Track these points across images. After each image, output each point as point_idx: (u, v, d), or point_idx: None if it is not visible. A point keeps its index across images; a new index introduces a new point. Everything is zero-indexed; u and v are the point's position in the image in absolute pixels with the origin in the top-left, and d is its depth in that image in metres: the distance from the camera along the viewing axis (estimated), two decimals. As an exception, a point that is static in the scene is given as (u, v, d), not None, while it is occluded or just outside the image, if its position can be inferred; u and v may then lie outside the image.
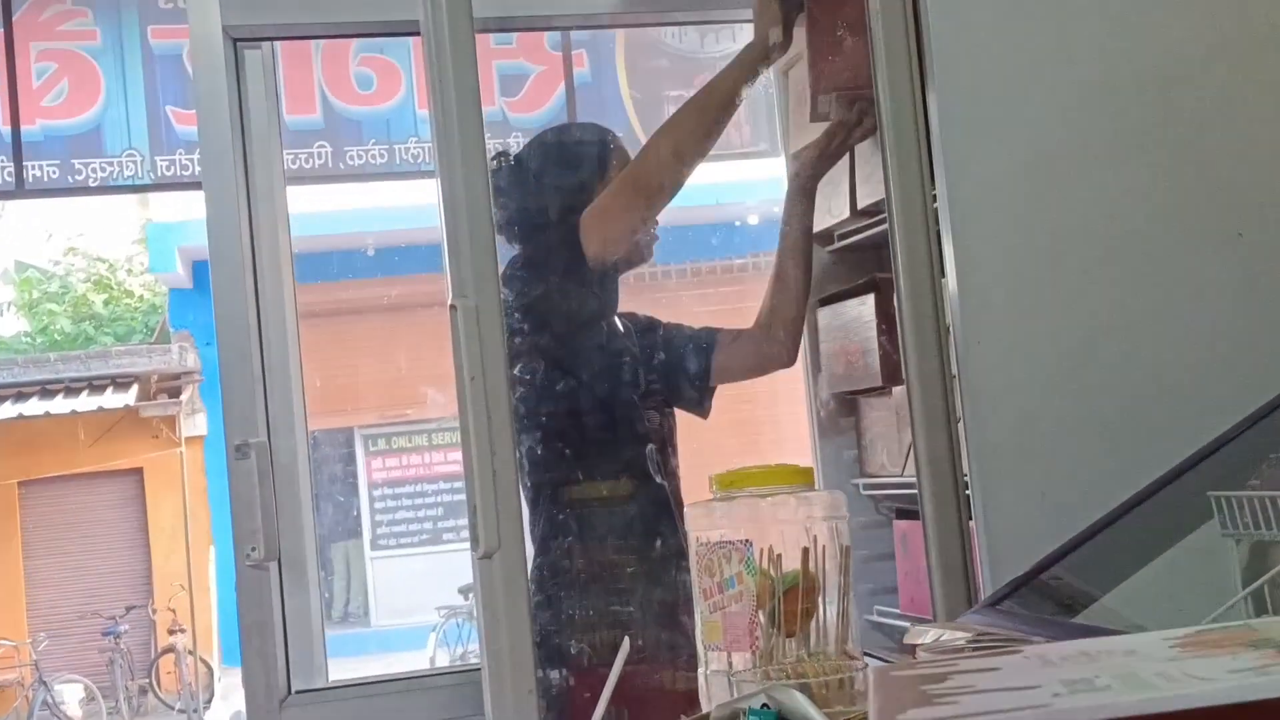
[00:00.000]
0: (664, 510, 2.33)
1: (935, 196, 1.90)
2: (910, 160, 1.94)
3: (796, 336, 2.42)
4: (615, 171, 2.36)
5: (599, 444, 2.32)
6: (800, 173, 2.37)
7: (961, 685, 0.64)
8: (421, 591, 13.40)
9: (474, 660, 2.37)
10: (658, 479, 2.34)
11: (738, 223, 13.34)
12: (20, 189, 5.43)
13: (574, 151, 2.39)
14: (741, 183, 12.15)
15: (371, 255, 12.61)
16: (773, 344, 2.39)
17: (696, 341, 2.43)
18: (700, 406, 2.42)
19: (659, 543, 2.34)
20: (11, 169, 5.37)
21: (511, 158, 2.41)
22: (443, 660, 10.86)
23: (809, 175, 2.37)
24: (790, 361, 2.43)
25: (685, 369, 2.39)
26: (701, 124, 2.25)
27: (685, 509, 1.70)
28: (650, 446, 2.35)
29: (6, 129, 5.42)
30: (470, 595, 12.47)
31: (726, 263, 13.66)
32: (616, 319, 2.42)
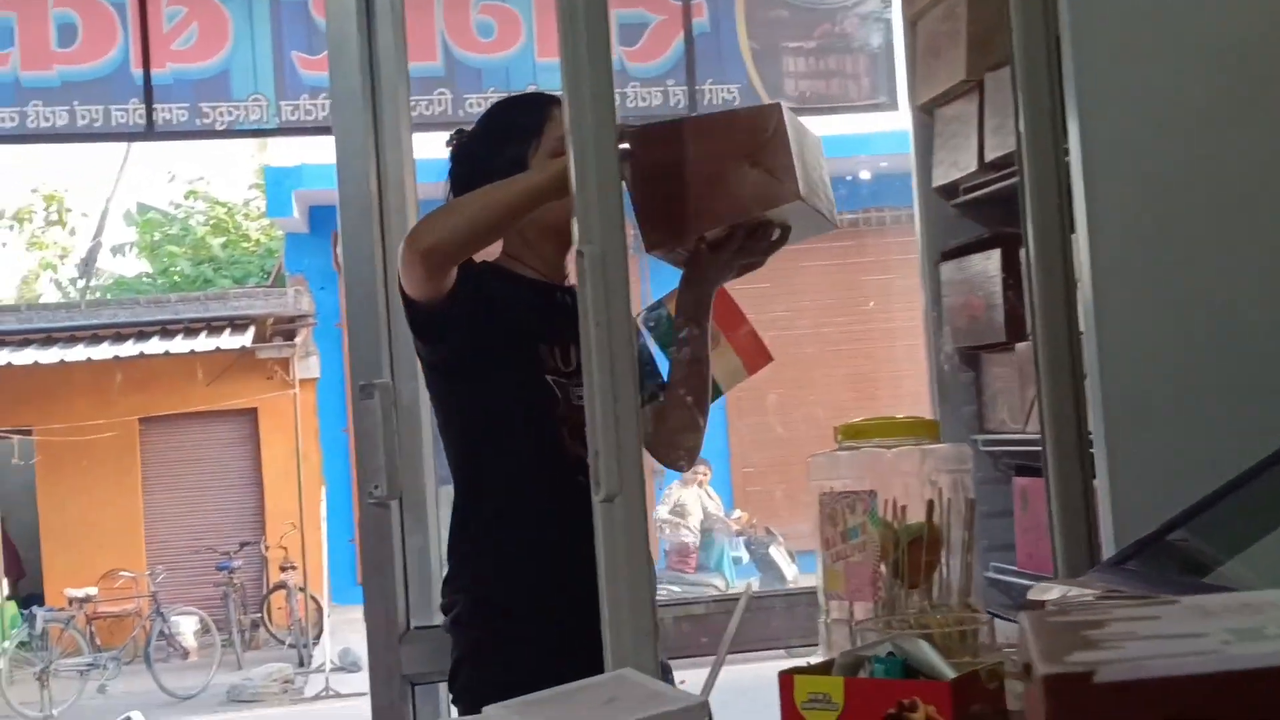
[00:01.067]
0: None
1: (1067, 150, 1.87)
2: (1043, 112, 1.91)
3: (693, 453, 2.35)
4: (547, 140, 2.28)
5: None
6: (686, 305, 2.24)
7: (1123, 632, 0.64)
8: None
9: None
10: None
11: (849, 177, 13.26)
12: (150, 131, 5.56)
13: (508, 123, 2.34)
14: (856, 135, 12.05)
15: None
16: (669, 451, 2.32)
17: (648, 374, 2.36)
18: None
19: None
20: (142, 111, 5.49)
21: (464, 135, 2.37)
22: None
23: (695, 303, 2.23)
24: (685, 469, 2.40)
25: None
26: (493, 216, 2.14)
27: (809, 459, 1.70)
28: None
29: (138, 72, 5.54)
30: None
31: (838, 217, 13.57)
32: (569, 289, 2.34)
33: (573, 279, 2.31)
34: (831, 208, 2.15)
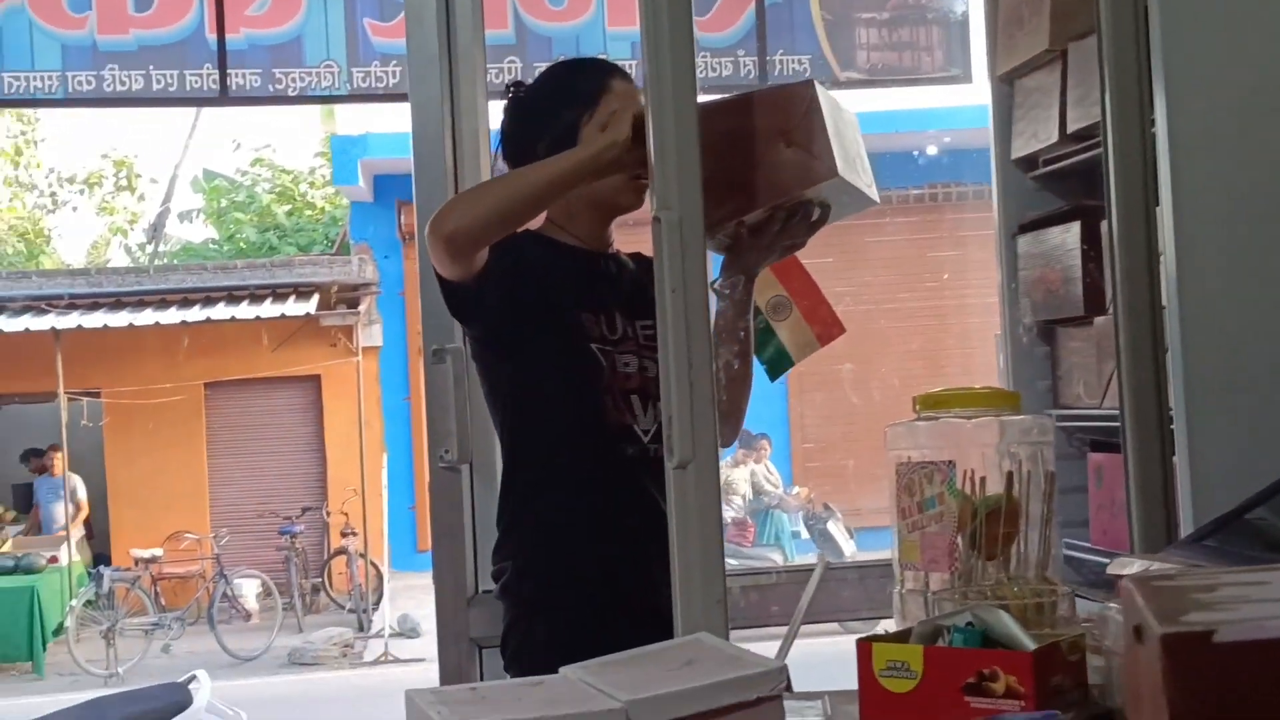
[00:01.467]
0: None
1: (1154, 121, 1.85)
2: (1129, 83, 1.88)
3: (737, 426, 2.33)
4: (602, 111, 2.21)
5: None
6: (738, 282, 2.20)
7: (1235, 595, 0.63)
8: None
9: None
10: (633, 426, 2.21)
11: (916, 151, 13.15)
12: (224, 96, 5.61)
13: (567, 86, 2.31)
14: (926, 110, 11.94)
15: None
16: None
17: None
18: None
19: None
20: (216, 77, 5.54)
21: (523, 89, 2.35)
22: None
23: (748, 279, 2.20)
24: (724, 446, 2.35)
25: None
26: (526, 200, 2.13)
27: (887, 428, 1.69)
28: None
29: (213, 37, 5.59)
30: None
31: (903, 192, 13.50)
32: (614, 256, 2.31)
33: (617, 248, 2.31)
34: (871, 183, 2.12)
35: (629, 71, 2.32)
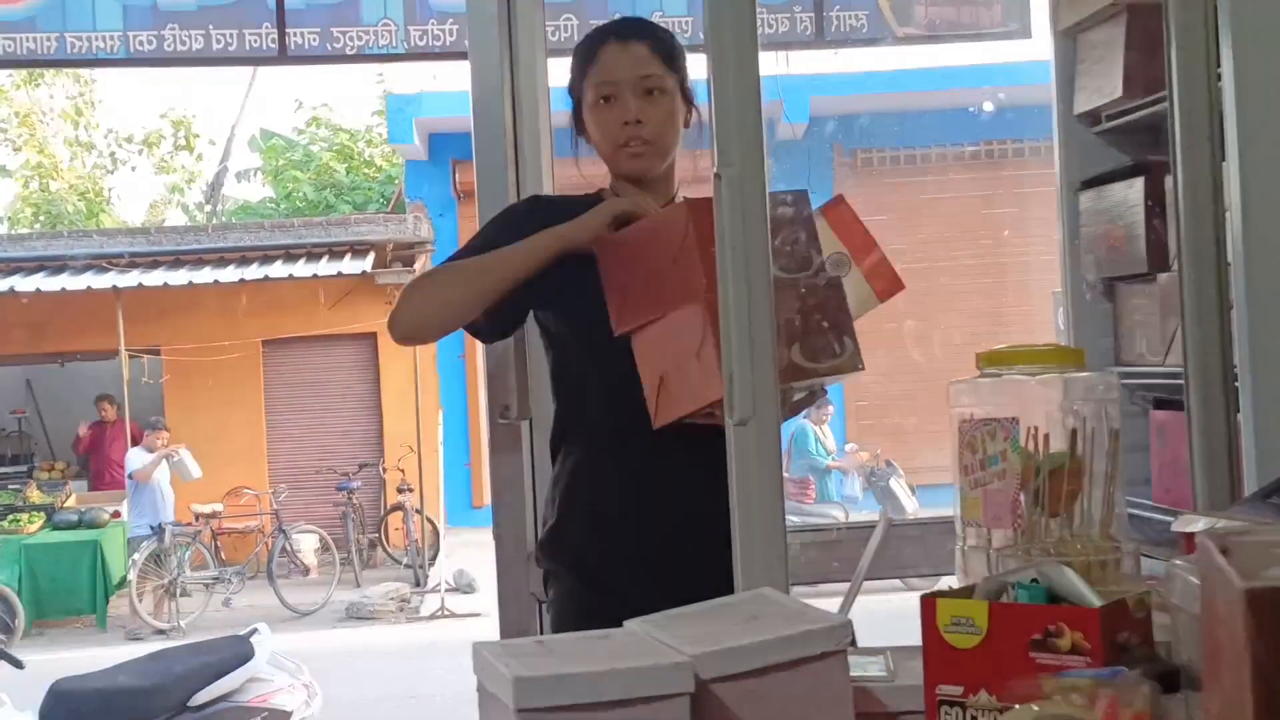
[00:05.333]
0: None
1: (1220, 74, 1.82)
2: (1196, 36, 1.86)
3: None
4: (591, 85, 2.29)
5: None
6: None
7: (1312, 550, 0.63)
8: (640, 465, 13.63)
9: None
10: None
11: (973, 108, 13.02)
12: (283, 55, 5.63)
13: (575, 54, 2.35)
14: (980, 66, 11.81)
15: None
16: None
17: None
18: None
19: None
20: (275, 36, 5.56)
21: None
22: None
23: None
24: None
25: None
26: (482, 288, 2.21)
27: (950, 385, 1.69)
28: None
29: (272, -4, 5.62)
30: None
31: (960, 149, 13.38)
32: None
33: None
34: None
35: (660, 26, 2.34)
